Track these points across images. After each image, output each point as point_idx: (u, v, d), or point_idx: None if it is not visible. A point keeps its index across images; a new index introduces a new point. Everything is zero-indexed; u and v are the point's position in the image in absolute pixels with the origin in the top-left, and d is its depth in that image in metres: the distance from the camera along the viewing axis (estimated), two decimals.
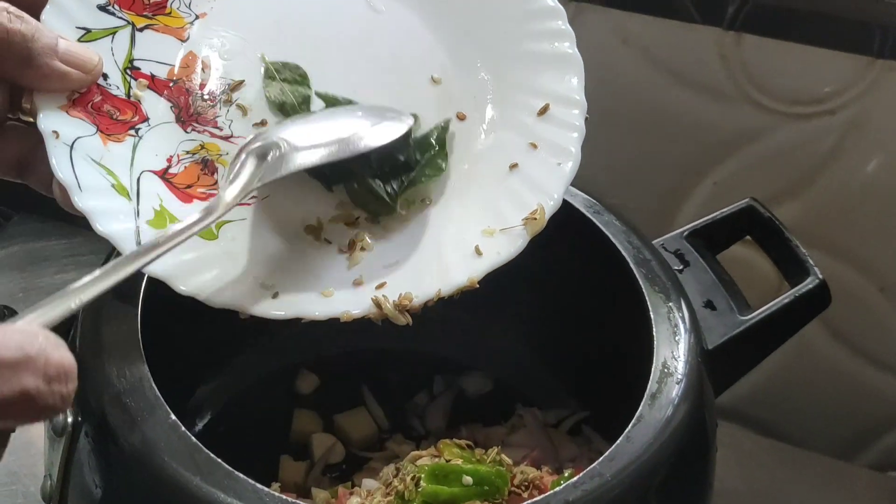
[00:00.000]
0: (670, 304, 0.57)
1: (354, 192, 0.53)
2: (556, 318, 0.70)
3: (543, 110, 0.54)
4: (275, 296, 0.50)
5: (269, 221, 0.52)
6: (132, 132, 0.51)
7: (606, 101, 0.77)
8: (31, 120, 0.49)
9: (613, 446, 0.49)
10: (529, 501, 0.47)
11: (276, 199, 0.53)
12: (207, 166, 0.52)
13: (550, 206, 0.52)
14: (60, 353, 0.37)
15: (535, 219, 0.52)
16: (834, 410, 0.88)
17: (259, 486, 0.46)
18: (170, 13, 0.54)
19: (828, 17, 0.77)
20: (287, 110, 0.54)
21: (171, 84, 0.53)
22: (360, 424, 0.70)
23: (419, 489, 0.51)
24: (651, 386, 0.53)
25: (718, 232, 0.65)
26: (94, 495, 0.49)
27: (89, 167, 0.48)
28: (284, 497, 0.46)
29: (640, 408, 0.51)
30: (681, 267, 0.63)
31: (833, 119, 0.80)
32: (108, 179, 0.49)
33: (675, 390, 0.53)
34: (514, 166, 0.54)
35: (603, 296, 0.63)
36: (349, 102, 0.54)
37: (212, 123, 0.53)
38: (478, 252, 0.52)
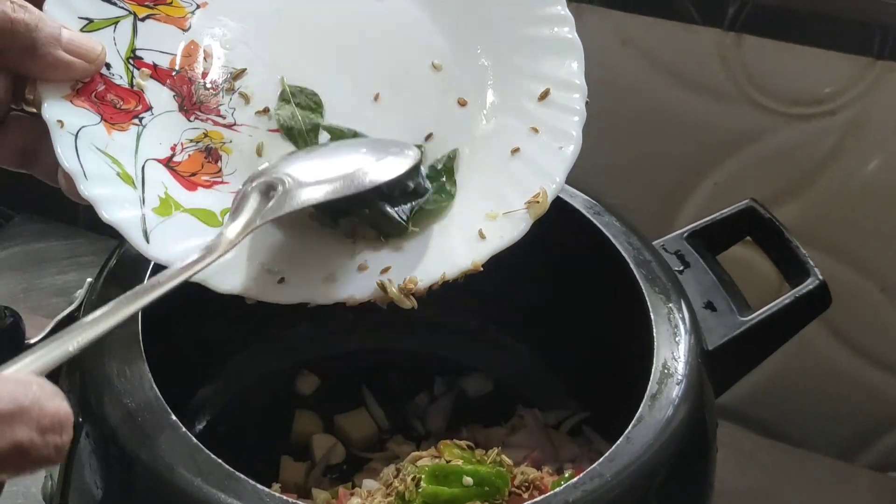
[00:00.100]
0: (670, 304, 0.57)
1: (364, 216, 0.53)
2: (556, 318, 0.70)
3: (544, 95, 0.55)
4: (280, 281, 0.51)
5: None
6: (136, 121, 0.51)
7: (607, 101, 0.77)
8: (35, 111, 0.50)
9: (613, 447, 0.49)
10: (530, 502, 0.47)
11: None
12: (211, 154, 0.52)
13: (553, 189, 0.53)
14: (55, 404, 0.36)
15: (538, 202, 0.52)
16: (834, 410, 0.88)
17: (259, 486, 0.46)
18: (171, 3, 0.55)
19: (828, 18, 0.77)
20: (294, 136, 0.54)
21: (173, 73, 0.53)
22: (361, 425, 0.70)
23: (419, 490, 0.51)
24: (651, 386, 0.53)
25: (719, 233, 0.65)
26: (95, 496, 0.49)
27: (94, 156, 0.48)
28: (285, 498, 0.46)
29: (641, 408, 0.51)
30: (681, 268, 0.63)
31: (833, 119, 0.80)
32: (113, 168, 0.49)
33: (675, 391, 0.53)
34: (515, 151, 0.54)
35: (603, 297, 0.63)
36: (355, 135, 0.54)
37: (215, 112, 0.53)
38: (481, 236, 0.52)
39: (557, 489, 0.48)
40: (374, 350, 0.74)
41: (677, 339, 0.56)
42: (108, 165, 0.49)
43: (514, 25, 0.57)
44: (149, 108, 0.52)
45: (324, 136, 0.54)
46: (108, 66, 0.51)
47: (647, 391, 0.52)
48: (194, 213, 0.50)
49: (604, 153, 0.85)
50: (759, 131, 0.82)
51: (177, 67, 0.53)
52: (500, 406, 0.71)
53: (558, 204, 0.61)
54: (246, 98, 0.54)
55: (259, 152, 0.53)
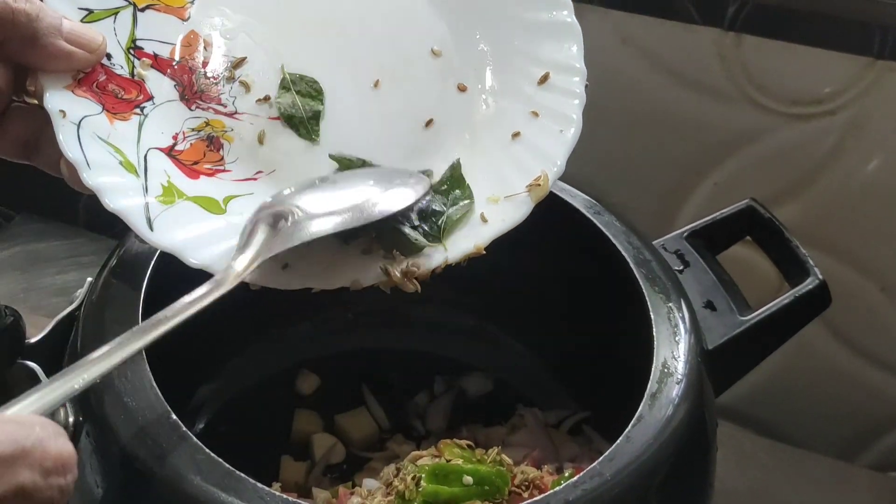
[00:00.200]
0: (670, 304, 0.57)
1: (382, 239, 0.53)
2: (556, 318, 0.70)
3: (544, 79, 0.55)
4: (284, 267, 0.51)
5: None
6: (138, 111, 0.51)
7: (606, 101, 0.77)
8: (36, 102, 0.50)
9: (613, 446, 0.49)
10: (530, 501, 0.47)
11: (284, 174, 0.53)
12: (213, 143, 0.53)
13: (554, 172, 0.53)
14: (58, 445, 0.35)
15: (539, 185, 0.52)
16: (834, 410, 0.88)
17: (260, 485, 0.46)
18: None
19: (828, 18, 0.77)
20: (295, 123, 0.54)
21: (174, 63, 0.54)
22: (361, 424, 0.70)
23: (420, 489, 0.51)
24: (651, 386, 0.53)
25: (719, 232, 0.65)
26: (95, 494, 0.49)
27: (97, 145, 0.49)
28: (285, 497, 0.46)
29: (641, 408, 0.51)
30: (681, 267, 0.63)
31: (833, 119, 0.80)
32: (116, 157, 0.49)
33: (675, 390, 0.53)
34: (516, 135, 0.55)
35: (603, 296, 0.63)
36: (363, 163, 0.54)
37: (216, 100, 0.54)
38: (483, 219, 0.52)
39: (557, 488, 0.48)
40: (374, 350, 0.74)
41: (677, 338, 0.56)
42: (111, 154, 0.49)
43: (513, 10, 0.57)
44: (150, 98, 0.52)
45: (331, 165, 0.54)
46: (108, 56, 0.51)
47: (647, 390, 0.52)
48: (197, 201, 0.50)
49: (604, 152, 0.85)
50: (759, 131, 0.82)
51: (177, 57, 0.54)
52: (500, 405, 0.71)
53: (559, 203, 0.62)
54: (246, 86, 0.54)
55: (260, 140, 0.53)
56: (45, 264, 0.94)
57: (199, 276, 0.47)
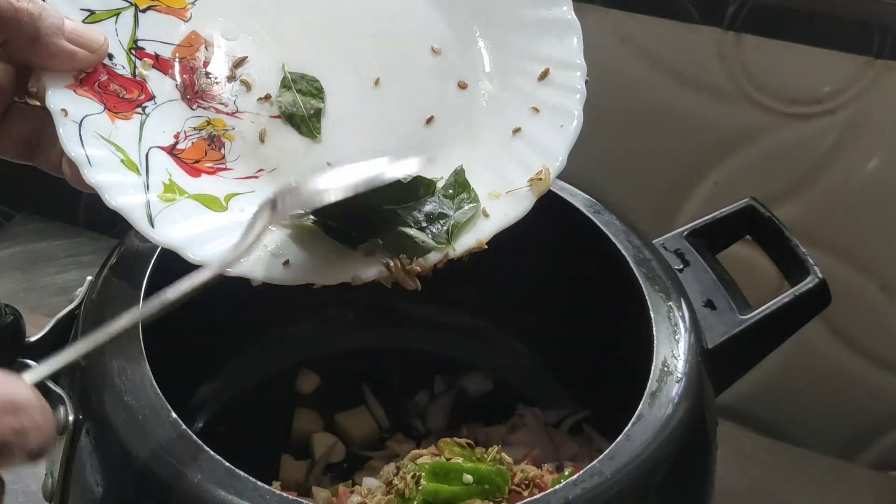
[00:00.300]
0: (670, 303, 0.57)
1: (388, 245, 0.52)
2: (556, 317, 0.70)
3: (544, 75, 0.56)
4: (285, 263, 0.51)
5: None
6: (139, 110, 0.52)
7: (606, 100, 0.77)
8: (38, 103, 0.50)
9: (613, 445, 0.49)
10: (530, 499, 0.47)
11: (285, 172, 0.53)
12: (214, 142, 0.53)
13: (555, 166, 0.53)
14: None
15: (541, 179, 0.53)
16: (834, 409, 0.88)
17: (260, 484, 0.46)
18: None
19: (828, 17, 0.77)
20: (296, 122, 0.54)
21: (175, 63, 0.54)
22: (361, 424, 0.71)
23: (420, 487, 0.51)
24: (651, 385, 0.53)
25: (719, 231, 0.65)
26: (95, 493, 0.49)
27: (98, 143, 0.49)
28: (285, 495, 0.46)
29: (640, 406, 0.51)
30: (681, 266, 0.63)
31: (833, 119, 0.80)
32: (118, 155, 0.49)
33: (675, 389, 0.53)
34: (517, 130, 0.55)
35: (603, 295, 0.63)
36: None
37: (217, 100, 0.54)
38: (485, 214, 0.53)
39: (557, 486, 0.48)
40: (374, 349, 0.74)
41: (677, 337, 0.56)
42: (112, 152, 0.49)
43: (512, 7, 0.57)
44: (151, 98, 0.52)
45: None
46: (110, 56, 0.52)
47: (647, 389, 0.52)
48: (198, 199, 0.51)
49: (603, 152, 0.85)
50: (759, 130, 0.82)
51: (178, 57, 0.54)
52: (500, 404, 0.71)
53: (559, 203, 0.62)
54: (247, 85, 0.54)
55: (261, 138, 0.54)
56: (45, 263, 0.94)
57: None
